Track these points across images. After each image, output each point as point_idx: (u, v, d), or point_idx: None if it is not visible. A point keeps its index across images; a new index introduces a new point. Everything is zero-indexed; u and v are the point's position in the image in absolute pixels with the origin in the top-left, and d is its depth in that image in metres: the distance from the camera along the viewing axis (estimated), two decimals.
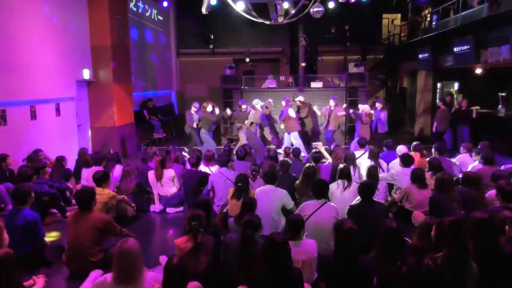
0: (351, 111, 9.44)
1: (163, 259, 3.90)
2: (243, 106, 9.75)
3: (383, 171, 6.20)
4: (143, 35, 13.11)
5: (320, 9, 8.92)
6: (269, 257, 2.78)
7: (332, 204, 4.34)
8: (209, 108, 9.38)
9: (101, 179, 5.02)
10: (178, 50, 16.91)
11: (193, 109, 9.59)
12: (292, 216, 3.69)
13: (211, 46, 16.38)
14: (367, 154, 6.70)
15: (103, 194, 4.90)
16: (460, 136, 9.57)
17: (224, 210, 5.09)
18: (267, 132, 10.64)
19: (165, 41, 15.84)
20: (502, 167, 5.91)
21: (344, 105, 10.26)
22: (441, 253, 2.76)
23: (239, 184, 4.83)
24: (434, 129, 10.01)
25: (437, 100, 12.56)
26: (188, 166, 6.53)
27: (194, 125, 9.58)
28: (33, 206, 4.41)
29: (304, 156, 7.73)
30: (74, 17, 8.73)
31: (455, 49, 9.63)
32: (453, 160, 6.74)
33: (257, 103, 9.50)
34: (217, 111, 9.58)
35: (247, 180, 4.91)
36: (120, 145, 9.84)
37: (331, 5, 10.22)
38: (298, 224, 3.50)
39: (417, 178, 5.11)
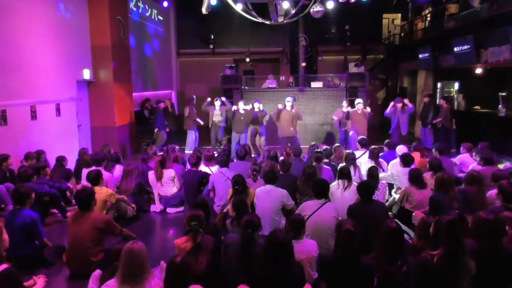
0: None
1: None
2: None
3: (383, 171, 6.20)
4: (143, 35, 13.10)
5: (320, 9, 8.90)
6: (270, 254, 2.80)
7: (332, 204, 4.34)
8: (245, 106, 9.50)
9: (96, 179, 5.04)
10: (178, 50, 16.90)
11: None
12: (293, 216, 3.69)
13: (211, 46, 16.37)
14: (367, 154, 6.70)
15: (101, 192, 4.93)
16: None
17: (224, 210, 5.08)
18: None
19: (165, 41, 15.83)
20: (502, 167, 5.91)
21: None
22: (437, 251, 2.78)
23: (236, 187, 4.82)
24: (439, 124, 10.04)
25: (438, 99, 12.54)
26: (188, 166, 6.53)
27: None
28: (33, 206, 4.41)
29: (304, 156, 7.72)
30: (74, 17, 8.72)
31: (455, 49, 9.62)
32: (454, 159, 6.74)
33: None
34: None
35: (243, 181, 4.89)
36: (120, 145, 9.85)
37: (330, 5, 10.19)
38: (299, 224, 3.50)
39: (415, 178, 5.09)
